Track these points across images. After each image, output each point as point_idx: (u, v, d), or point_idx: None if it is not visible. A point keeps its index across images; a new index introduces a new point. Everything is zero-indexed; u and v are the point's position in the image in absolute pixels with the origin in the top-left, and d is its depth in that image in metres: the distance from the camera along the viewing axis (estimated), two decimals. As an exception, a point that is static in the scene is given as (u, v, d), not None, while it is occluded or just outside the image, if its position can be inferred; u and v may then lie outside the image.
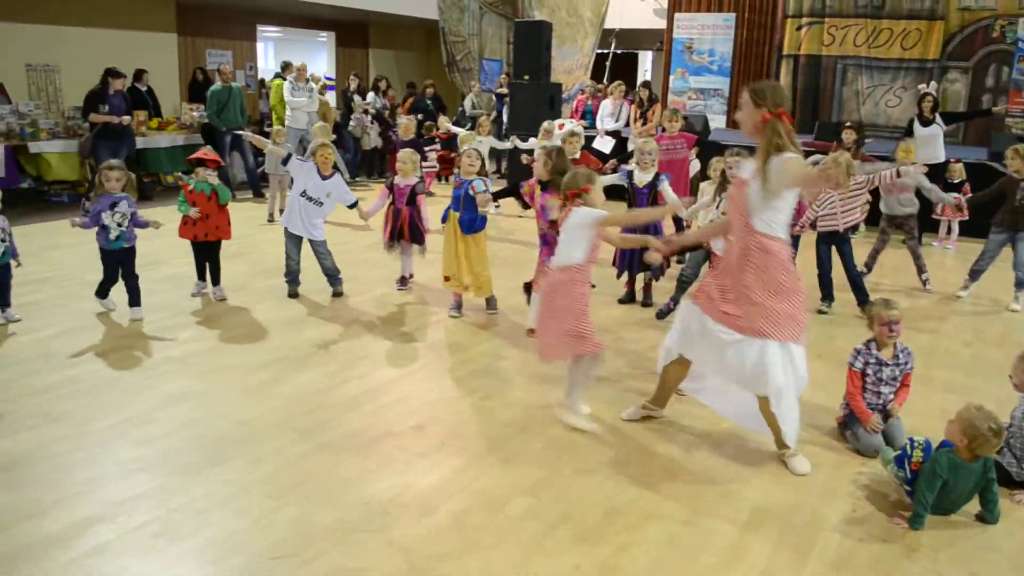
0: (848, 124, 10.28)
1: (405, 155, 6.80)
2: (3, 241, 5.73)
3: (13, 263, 5.88)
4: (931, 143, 9.58)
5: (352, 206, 6.69)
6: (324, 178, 6.57)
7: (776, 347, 3.76)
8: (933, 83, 12.39)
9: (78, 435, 4.13)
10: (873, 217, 7.79)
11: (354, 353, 5.44)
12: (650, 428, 4.36)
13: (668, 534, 3.36)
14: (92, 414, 4.37)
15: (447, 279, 6.23)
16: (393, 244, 6.82)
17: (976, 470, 3.46)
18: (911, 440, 3.62)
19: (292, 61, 12.70)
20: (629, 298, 6.80)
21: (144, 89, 12.10)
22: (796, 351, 3.83)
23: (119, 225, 5.90)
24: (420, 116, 12.97)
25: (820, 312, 6.63)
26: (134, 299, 6.04)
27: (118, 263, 6.02)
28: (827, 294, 6.71)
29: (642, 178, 6.50)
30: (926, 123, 9.70)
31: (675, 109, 9.00)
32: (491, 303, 6.40)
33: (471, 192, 5.93)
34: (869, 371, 4.23)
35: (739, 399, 4.08)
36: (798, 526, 3.45)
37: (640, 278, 6.75)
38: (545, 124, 10.01)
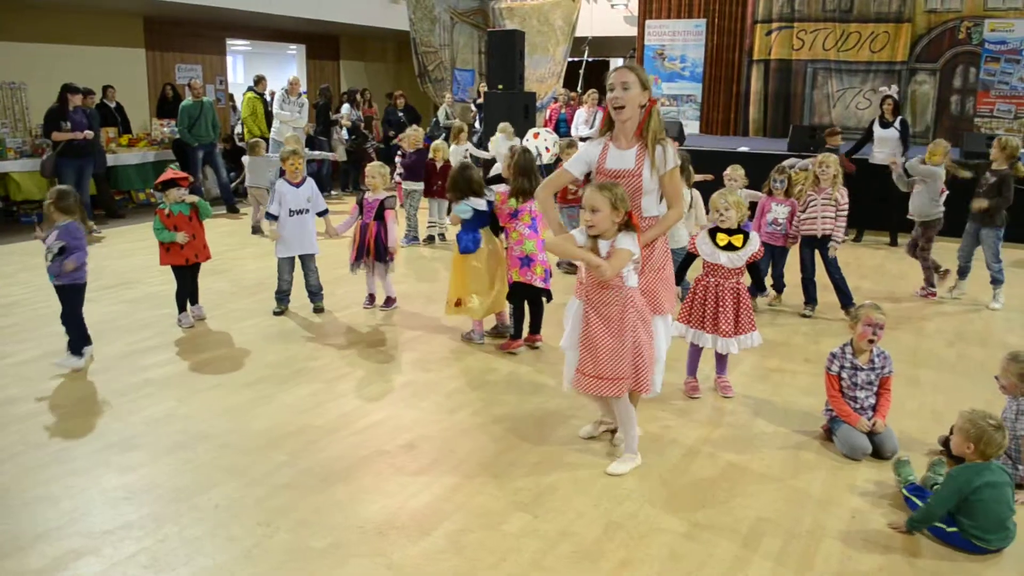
0: (835, 129, 10.28)
1: (373, 169, 6.67)
2: None
3: None
4: (890, 145, 9.72)
5: (322, 214, 6.59)
6: (297, 186, 6.45)
7: (659, 320, 4.03)
8: (894, 86, 12.55)
9: (60, 462, 4.01)
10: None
11: (339, 371, 5.35)
12: (645, 441, 4.32)
13: (669, 548, 3.32)
14: (74, 441, 4.26)
15: (457, 304, 5.85)
16: (358, 263, 6.59)
17: (997, 469, 3.38)
18: (922, 493, 3.57)
19: (264, 75, 12.63)
20: None
21: (112, 105, 11.95)
22: (669, 320, 4.16)
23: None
24: (392, 130, 12.98)
25: (804, 316, 6.66)
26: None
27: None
28: (810, 298, 6.73)
29: None
30: (886, 125, 9.82)
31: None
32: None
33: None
34: (844, 375, 4.25)
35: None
36: (800, 536, 3.42)
37: None
38: (500, 125, 10.16)
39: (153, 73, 13.91)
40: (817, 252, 6.63)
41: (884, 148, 9.66)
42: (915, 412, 4.77)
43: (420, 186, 9.51)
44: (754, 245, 4.74)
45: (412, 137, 9.68)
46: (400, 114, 14.46)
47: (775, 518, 3.56)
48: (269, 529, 3.43)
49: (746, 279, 4.90)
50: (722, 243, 4.78)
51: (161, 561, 3.19)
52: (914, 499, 3.58)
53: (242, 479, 3.86)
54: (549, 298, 5.75)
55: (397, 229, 6.69)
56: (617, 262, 3.66)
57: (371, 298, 6.85)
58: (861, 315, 4.18)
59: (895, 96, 10.26)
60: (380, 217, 6.51)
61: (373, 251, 6.51)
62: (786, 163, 10.36)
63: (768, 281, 6.60)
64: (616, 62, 21.47)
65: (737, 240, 4.76)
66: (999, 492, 3.32)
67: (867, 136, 10.04)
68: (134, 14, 13.31)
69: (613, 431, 4.33)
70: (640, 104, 3.91)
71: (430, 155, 9.47)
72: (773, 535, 3.42)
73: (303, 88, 16.36)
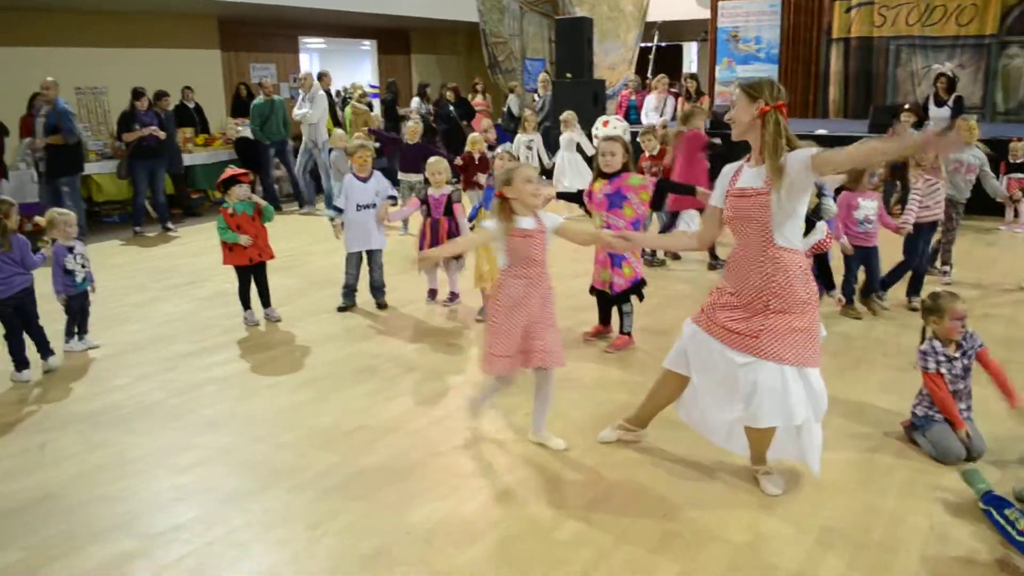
0: (906, 106, 9.83)
1: (438, 165, 6.50)
2: (83, 267, 5.70)
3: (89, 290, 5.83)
4: (946, 124, 9.22)
5: (392, 199, 6.58)
6: (364, 180, 6.42)
7: (794, 372, 3.39)
8: (948, 63, 11.89)
9: (117, 464, 4.05)
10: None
11: (398, 369, 5.30)
12: (705, 440, 4.12)
13: (729, 559, 3.13)
14: (132, 441, 4.30)
15: (481, 278, 5.94)
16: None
17: None
18: (1004, 504, 3.26)
19: (329, 71, 12.71)
20: None
21: (191, 106, 12.19)
22: (813, 375, 3.45)
23: (83, 267, 5.68)
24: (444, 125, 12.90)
25: (912, 309, 6.16)
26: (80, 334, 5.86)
27: (86, 298, 5.80)
28: (917, 288, 6.29)
29: None
30: (940, 103, 9.32)
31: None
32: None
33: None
34: (943, 370, 3.94)
35: (726, 421, 3.70)
36: (870, 548, 3.19)
37: None
38: (562, 116, 10.03)
39: (229, 73, 14.18)
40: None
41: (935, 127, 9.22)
42: (1004, 412, 4.43)
43: (419, 177, 9.39)
44: (818, 234, 4.47)
45: (412, 129, 9.65)
46: (451, 108, 14.09)
47: (844, 528, 3.33)
48: (316, 533, 3.38)
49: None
50: None
51: (207, 565, 3.17)
52: (993, 512, 3.29)
53: (293, 480, 3.82)
54: (641, 297, 5.54)
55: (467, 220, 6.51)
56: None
57: (432, 293, 6.79)
58: (946, 309, 3.89)
59: (949, 73, 9.74)
60: (449, 212, 6.41)
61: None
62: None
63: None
64: (689, 46, 21.01)
65: (800, 229, 4.49)
66: None
67: (923, 116, 9.56)
68: (209, 16, 13.58)
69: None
70: (752, 117, 3.38)
71: (467, 147, 9.38)
72: (841, 546, 3.20)
73: (374, 82, 16.53)
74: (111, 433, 4.42)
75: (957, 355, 3.95)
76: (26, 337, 5.30)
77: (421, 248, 6.40)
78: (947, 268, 7.07)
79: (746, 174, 3.46)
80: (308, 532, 3.38)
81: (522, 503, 3.58)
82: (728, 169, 3.60)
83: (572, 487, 3.70)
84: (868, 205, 5.79)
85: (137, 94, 9.86)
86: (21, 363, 5.27)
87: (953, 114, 9.28)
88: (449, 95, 14.36)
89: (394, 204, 6.66)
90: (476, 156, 9.11)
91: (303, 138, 11.46)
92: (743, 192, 3.42)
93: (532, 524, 3.41)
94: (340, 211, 6.47)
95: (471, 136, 9.43)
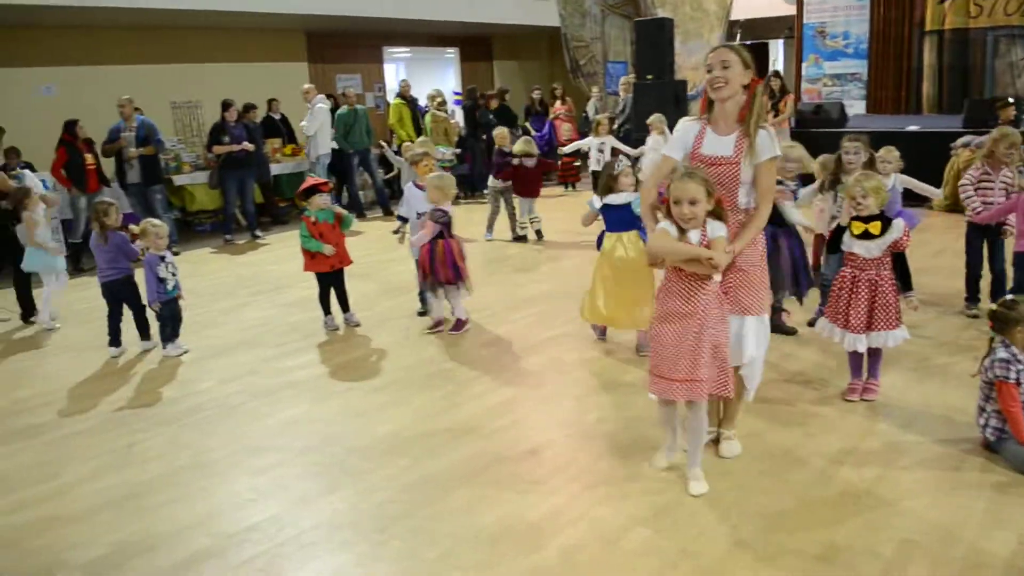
0: (1009, 100, 9.31)
1: (444, 181, 6.06)
2: (173, 275, 5.96)
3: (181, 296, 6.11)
4: None
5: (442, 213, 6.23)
6: (424, 188, 6.35)
7: (753, 320, 3.71)
8: None
9: (199, 465, 4.19)
10: None
11: (471, 373, 5.33)
12: (783, 448, 4.02)
13: (800, 572, 3.03)
14: (213, 443, 4.45)
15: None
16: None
17: None
18: None
19: (409, 80, 12.90)
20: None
21: (277, 117, 12.54)
22: (766, 320, 3.82)
23: (173, 275, 5.94)
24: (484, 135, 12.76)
25: (972, 316, 5.93)
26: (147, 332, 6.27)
27: (176, 304, 6.07)
28: (974, 294, 6.04)
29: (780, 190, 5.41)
30: None
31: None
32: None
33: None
34: (1022, 380, 3.72)
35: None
36: (951, 563, 3.03)
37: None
38: (651, 119, 9.98)
39: (316, 85, 14.49)
40: (986, 241, 5.93)
41: None
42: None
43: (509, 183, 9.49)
44: (896, 232, 4.28)
45: (501, 135, 9.75)
46: (491, 116, 13.30)
47: (924, 542, 3.18)
48: (383, 536, 3.42)
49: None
50: (857, 231, 4.37)
51: (275, 565, 3.25)
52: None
53: (363, 483, 3.88)
54: None
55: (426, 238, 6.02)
56: (722, 251, 3.43)
57: (438, 324, 6.33)
58: (1022, 316, 3.68)
59: None
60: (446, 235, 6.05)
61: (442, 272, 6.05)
62: (960, 141, 9.55)
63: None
64: (775, 43, 20.52)
65: (875, 227, 4.32)
66: None
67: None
68: (296, 30, 13.96)
69: (715, 441, 4.05)
70: (743, 84, 3.57)
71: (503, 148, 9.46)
72: (920, 561, 3.05)
73: (458, 89, 16.69)
74: (194, 434, 4.58)
75: None
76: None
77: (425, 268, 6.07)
78: None
79: (712, 140, 3.63)
80: (375, 535, 3.42)
81: (588, 510, 3.55)
82: (688, 127, 3.72)
83: (639, 496, 3.64)
84: None
85: (226, 105, 10.23)
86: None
87: None
88: (492, 103, 13.81)
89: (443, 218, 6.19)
90: (516, 162, 9.12)
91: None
92: (716, 160, 3.60)
93: (597, 532, 3.38)
94: (405, 220, 6.52)
95: (521, 140, 9.46)
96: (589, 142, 10.75)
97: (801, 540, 3.23)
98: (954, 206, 9.44)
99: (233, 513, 3.68)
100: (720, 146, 3.61)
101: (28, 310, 7.25)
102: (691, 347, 3.46)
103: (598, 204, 5.44)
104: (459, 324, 6.26)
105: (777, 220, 5.48)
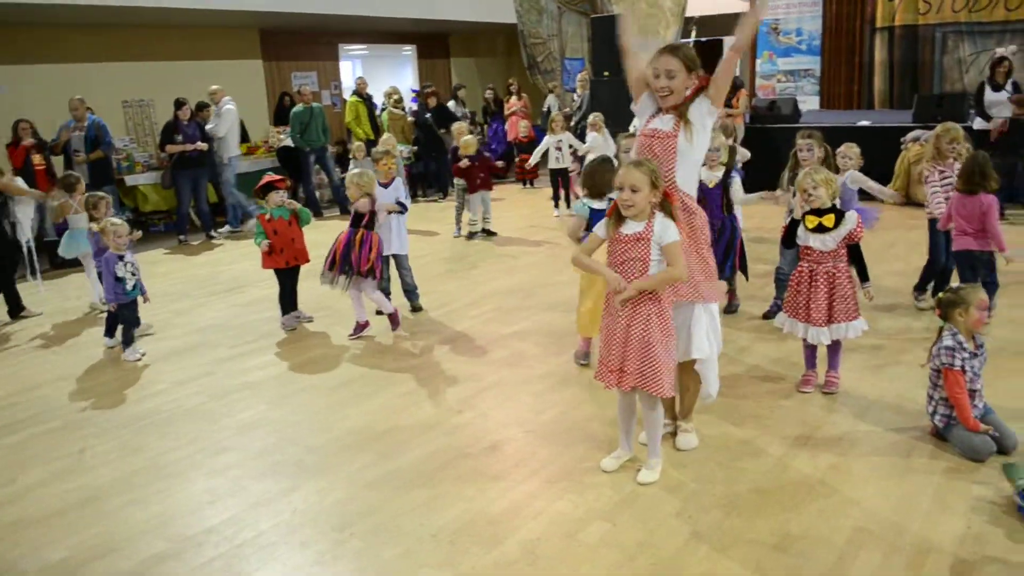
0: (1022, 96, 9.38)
1: (359, 178, 5.99)
2: (133, 275, 5.87)
3: (141, 299, 6.02)
4: (1002, 110, 9.08)
5: (401, 207, 6.33)
6: (386, 186, 6.37)
7: (702, 310, 3.75)
8: (1012, 46, 11.53)
9: (155, 467, 4.14)
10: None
11: (431, 371, 5.32)
12: (739, 439, 4.07)
13: (756, 562, 3.08)
14: (169, 445, 4.39)
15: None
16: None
17: None
18: None
19: (365, 77, 12.80)
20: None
21: (231, 116, 12.38)
22: (715, 310, 3.86)
23: (133, 275, 5.86)
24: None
25: (920, 308, 6.01)
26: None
27: (136, 306, 6.03)
28: (923, 285, 6.12)
29: (711, 177, 5.70)
30: (997, 88, 9.08)
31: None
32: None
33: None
34: (966, 367, 3.82)
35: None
36: (903, 550, 3.11)
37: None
38: (590, 119, 10.07)
39: (271, 83, 14.36)
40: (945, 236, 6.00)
41: (995, 113, 9.02)
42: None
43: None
44: (850, 223, 4.36)
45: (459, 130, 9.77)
46: (428, 115, 12.93)
47: (876, 529, 3.25)
48: (343, 535, 3.40)
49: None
50: (812, 225, 4.45)
51: (235, 567, 3.22)
52: (1027, 507, 3.21)
53: (323, 482, 3.86)
54: None
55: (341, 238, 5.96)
56: (679, 259, 3.47)
57: (360, 327, 6.17)
58: (971, 300, 3.77)
59: (1012, 57, 9.43)
60: (369, 226, 5.99)
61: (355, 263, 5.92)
62: (910, 136, 9.74)
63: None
64: (729, 40, 20.75)
65: (828, 220, 4.40)
66: None
67: (978, 101, 9.30)
68: (250, 27, 13.78)
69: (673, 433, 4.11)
70: (687, 87, 3.64)
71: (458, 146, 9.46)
72: (873, 548, 3.12)
73: (416, 87, 16.61)
74: (150, 437, 4.51)
75: (978, 352, 3.85)
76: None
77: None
78: None
79: (658, 118, 3.71)
80: (335, 534, 3.41)
81: (548, 504, 3.57)
82: (650, 99, 3.76)
83: (598, 489, 3.68)
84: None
85: (179, 104, 10.08)
86: (108, 332, 6.22)
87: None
88: (431, 101, 13.41)
89: (402, 212, 6.33)
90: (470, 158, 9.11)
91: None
92: (654, 133, 3.67)
93: (558, 525, 3.40)
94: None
95: (465, 139, 9.46)
96: (547, 142, 10.77)
97: (757, 530, 3.29)
98: (905, 200, 9.64)
99: (191, 515, 3.64)
100: (662, 121, 3.69)
101: (15, 308, 7.22)
102: (620, 340, 3.53)
103: (586, 210, 4.97)
104: (394, 319, 6.15)
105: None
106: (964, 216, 5.33)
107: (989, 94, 9.21)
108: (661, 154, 3.64)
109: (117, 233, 5.78)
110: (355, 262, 5.84)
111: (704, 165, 5.62)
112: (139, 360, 5.82)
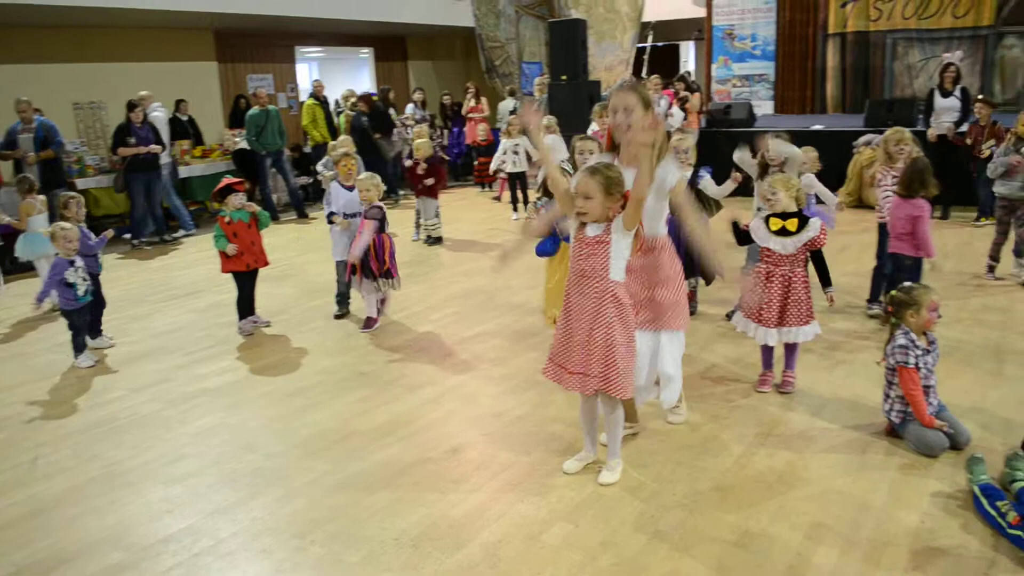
0: (980, 97, 9.50)
1: (366, 182, 6.11)
2: (84, 281, 5.74)
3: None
4: (951, 115, 9.30)
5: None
6: (349, 189, 6.36)
7: (668, 337, 3.84)
8: (958, 52, 11.84)
9: (110, 476, 4.06)
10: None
11: (390, 375, 5.29)
12: (699, 438, 4.11)
13: (717, 559, 3.11)
14: (124, 453, 4.30)
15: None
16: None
17: None
18: (998, 496, 3.28)
19: (321, 80, 12.69)
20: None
21: (185, 119, 12.21)
22: (683, 337, 3.96)
23: (84, 280, 5.74)
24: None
25: (872, 316, 6.02)
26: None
27: (88, 312, 5.94)
28: (876, 294, 6.13)
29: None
30: (946, 94, 9.31)
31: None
32: None
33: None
34: (920, 364, 3.90)
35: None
36: (860, 544, 3.16)
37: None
38: (543, 121, 9.96)
39: (226, 85, 14.19)
40: None
41: (944, 118, 9.24)
42: (999, 403, 4.41)
43: None
44: (812, 231, 4.43)
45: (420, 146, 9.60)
46: (364, 119, 12.59)
47: (834, 524, 3.31)
48: (303, 542, 3.37)
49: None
50: (775, 227, 4.52)
51: (193, 577, 3.17)
52: (984, 501, 3.28)
53: (282, 489, 3.81)
54: None
55: (368, 238, 6.04)
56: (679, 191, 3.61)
57: (371, 322, 6.34)
58: (923, 301, 3.86)
59: (958, 63, 9.67)
60: (380, 230, 6.13)
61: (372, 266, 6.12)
62: (861, 140, 9.93)
63: None
64: (686, 45, 20.97)
65: (792, 224, 4.47)
66: None
67: (928, 107, 9.53)
68: (204, 28, 13.61)
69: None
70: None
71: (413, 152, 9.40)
72: (831, 543, 3.17)
73: (373, 90, 16.52)
74: (103, 446, 4.42)
75: (931, 349, 3.93)
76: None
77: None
78: (993, 263, 6.92)
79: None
80: (295, 541, 3.37)
81: (510, 507, 3.57)
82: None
83: (559, 491, 3.68)
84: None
85: (131, 106, 9.90)
86: (91, 332, 6.10)
87: (962, 105, 9.24)
88: (361, 106, 13.50)
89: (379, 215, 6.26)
90: (421, 163, 9.06)
91: None
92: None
93: (520, 528, 3.40)
94: (335, 214, 6.43)
95: (417, 143, 9.41)
96: (504, 146, 10.77)
97: (718, 528, 3.32)
98: (857, 203, 9.83)
99: (147, 525, 3.57)
100: (627, 180, 3.59)
101: None
102: (582, 342, 3.53)
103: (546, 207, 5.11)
104: (369, 322, 6.30)
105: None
106: (899, 219, 5.44)
107: (938, 100, 9.42)
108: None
109: (67, 238, 5.66)
110: (372, 266, 6.07)
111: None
112: (92, 367, 5.71)
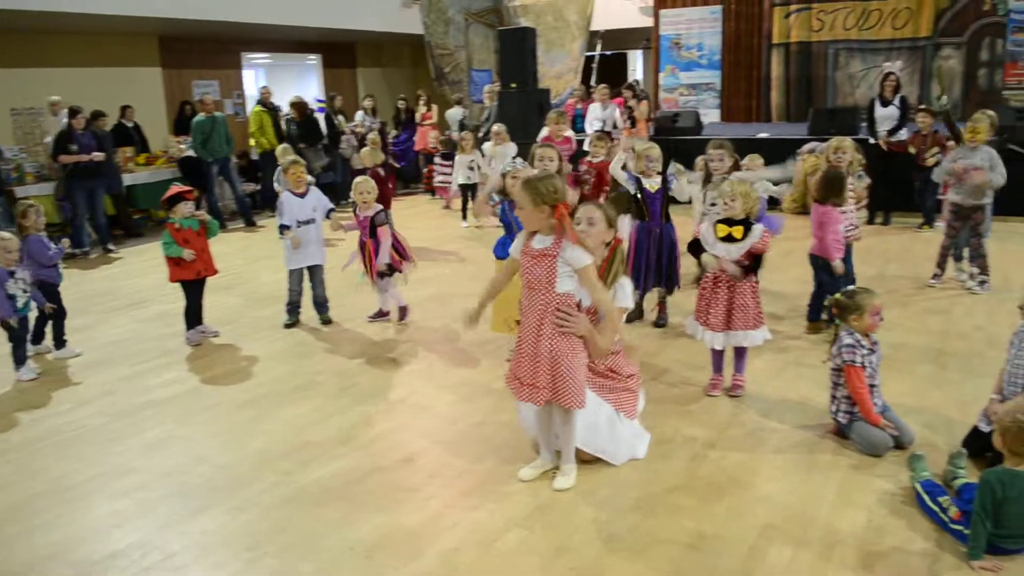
0: (921, 106, 9.70)
1: (365, 184, 6.29)
2: (24, 292, 5.59)
3: (48, 308, 5.91)
4: (891, 123, 9.57)
5: (328, 214, 6.46)
6: (301, 196, 6.35)
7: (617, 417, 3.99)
8: (898, 62, 12.20)
9: (55, 491, 3.96)
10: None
11: (342, 384, 5.25)
12: (652, 441, 4.15)
13: (672, 562, 3.15)
14: (70, 467, 4.20)
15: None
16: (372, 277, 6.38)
17: None
18: (939, 492, 3.38)
19: (269, 87, 12.53)
20: (638, 315, 6.21)
21: (130, 125, 11.99)
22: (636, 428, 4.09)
23: (24, 292, 5.61)
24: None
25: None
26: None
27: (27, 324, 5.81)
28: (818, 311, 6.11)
29: (652, 183, 5.91)
30: (886, 103, 9.58)
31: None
32: None
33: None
34: (866, 363, 4.01)
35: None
36: (810, 543, 3.23)
37: (653, 296, 6.18)
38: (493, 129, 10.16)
39: (170, 91, 13.95)
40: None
41: (885, 127, 9.55)
42: (940, 403, 4.54)
43: None
44: (754, 237, 4.52)
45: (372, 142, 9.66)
46: (294, 127, 12.35)
47: (785, 524, 3.37)
48: (256, 554, 3.32)
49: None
50: (721, 234, 4.59)
51: (143, 592, 3.11)
52: (926, 497, 3.38)
53: (233, 501, 3.76)
54: None
55: (390, 243, 6.32)
56: (595, 284, 3.55)
57: (381, 313, 6.62)
58: (866, 305, 3.96)
59: (898, 73, 9.96)
60: (373, 235, 6.28)
61: (372, 269, 6.32)
62: (805, 147, 10.14)
63: None
64: (634, 54, 21.18)
65: (737, 232, 4.56)
66: (1020, 503, 3.02)
67: (870, 116, 9.79)
68: (148, 33, 13.37)
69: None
70: (604, 241, 3.86)
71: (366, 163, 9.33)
72: (782, 543, 3.23)
73: (321, 97, 16.39)
74: (49, 459, 4.31)
75: (873, 348, 4.04)
76: None
77: (364, 265, 6.38)
78: (939, 272, 7.03)
79: (538, 238, 3.61)
80: (247, 553, 3.33)
81: (465, 514, 3.56)
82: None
83: (514, 497, 3.69)
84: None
85: (73, 112, 9.69)
86: (34, 339, 6.03)
87: (900, 114, 9.50)
88: (400, 106, 13.77)
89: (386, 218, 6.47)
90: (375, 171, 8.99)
91: None
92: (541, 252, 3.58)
93: (475, 535, 3.40)
94: (287, 227, 6.37)
95: (364, 151, 9.37)
96: (459, 161, 10.84)
97: (671, 530, 3.36)
98: (802, 209, 10.03)
99: (95, 540, 3.49)
100: (542, 240, 3.62)
101: None
102: (530, 353, 3.58)
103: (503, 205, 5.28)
104: (401, 312, 6.55)
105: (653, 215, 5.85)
106: (813, 222, 5.65)
107: (878, 109, 9.67)
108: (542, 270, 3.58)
109: (7, 248, 5.51)
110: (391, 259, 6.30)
111: (642, 174, 5.94)
112: (35, 380, 5.56)
